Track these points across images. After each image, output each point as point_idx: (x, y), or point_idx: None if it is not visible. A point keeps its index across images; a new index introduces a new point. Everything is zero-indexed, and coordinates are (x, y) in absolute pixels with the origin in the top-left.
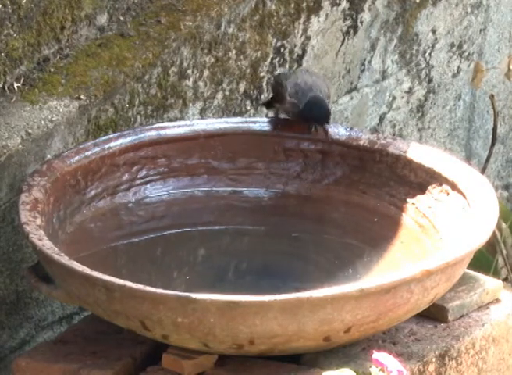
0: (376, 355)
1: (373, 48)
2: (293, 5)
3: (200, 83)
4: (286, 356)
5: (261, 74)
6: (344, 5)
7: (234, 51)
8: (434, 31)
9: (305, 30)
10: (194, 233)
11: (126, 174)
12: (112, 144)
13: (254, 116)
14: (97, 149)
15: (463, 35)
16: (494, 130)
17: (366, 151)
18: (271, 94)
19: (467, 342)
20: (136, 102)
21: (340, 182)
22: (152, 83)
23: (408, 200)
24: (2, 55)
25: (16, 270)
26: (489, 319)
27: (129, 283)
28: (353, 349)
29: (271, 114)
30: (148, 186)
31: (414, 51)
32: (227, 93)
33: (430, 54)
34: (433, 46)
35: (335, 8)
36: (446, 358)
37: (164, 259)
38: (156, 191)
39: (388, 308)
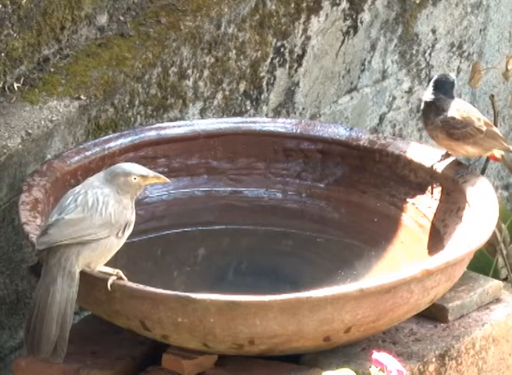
0: (376, 355)
1: (373, 48)
2: (293, 5)
3: (200, 83)
4: (286, 356)
5: (261, 74)
6: (344, 5)
7: (234, 51)
8: (434, 31)
9: (305, 30)
10: (194, 233)
11: None
12: (111, 144)
13: (254, 116)
14: (97, 149)
15: (463, 35)
16: None
17: (366, 151)
18: None
19: (467, 342)
20: (136, 102)
21: (340, 182)
22: (152, 83)
23: (408, 200)
24: (2, 55)
25: (15, 270)
26: (489, 319)
27: (129, 284)
28: (353, 349)
29: (271, 114)
30: (148, 186)
31: (414, 51)
32: (227, 93)
33: (430, 54)
34: (433, 46)
35: (335, 8)
36: (446, 358)
37: (164, 259)
38: (156, 191)
39: (388, 308)
